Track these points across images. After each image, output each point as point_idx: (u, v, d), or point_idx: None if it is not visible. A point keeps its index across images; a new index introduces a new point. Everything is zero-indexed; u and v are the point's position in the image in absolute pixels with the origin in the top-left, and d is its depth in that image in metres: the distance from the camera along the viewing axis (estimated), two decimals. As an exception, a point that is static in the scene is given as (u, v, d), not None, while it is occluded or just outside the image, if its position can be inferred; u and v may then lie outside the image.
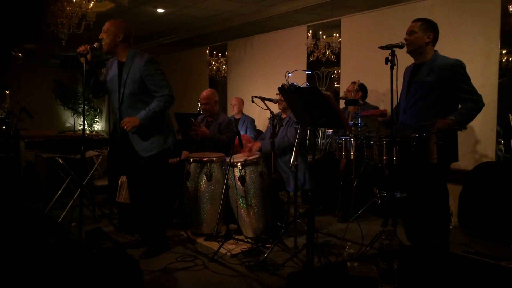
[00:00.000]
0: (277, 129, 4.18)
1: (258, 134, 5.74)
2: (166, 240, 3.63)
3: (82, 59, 3.26)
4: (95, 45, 3.28)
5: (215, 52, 7.93)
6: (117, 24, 3.39)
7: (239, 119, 5.85)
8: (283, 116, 4.26)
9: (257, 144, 4.12)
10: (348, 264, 1.96)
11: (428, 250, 2.39)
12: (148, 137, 3.42)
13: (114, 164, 4.99)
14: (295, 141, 3.57)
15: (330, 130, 5.22)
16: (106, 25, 3.40)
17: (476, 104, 3.11)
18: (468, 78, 3.14)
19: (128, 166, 3.59)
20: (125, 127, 3.31)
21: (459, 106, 3.17)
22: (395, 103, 3.10)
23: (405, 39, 3.20)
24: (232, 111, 5.99)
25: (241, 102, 5.97)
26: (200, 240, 3.90)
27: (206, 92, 4.74)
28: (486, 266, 2.19)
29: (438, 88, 3.13)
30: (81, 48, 3.24)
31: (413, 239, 3.32)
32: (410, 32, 3.20)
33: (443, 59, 3.18)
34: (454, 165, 3.27)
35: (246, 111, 6.05)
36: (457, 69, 3.11)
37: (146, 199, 3.52)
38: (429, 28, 3.19)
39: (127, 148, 3.51)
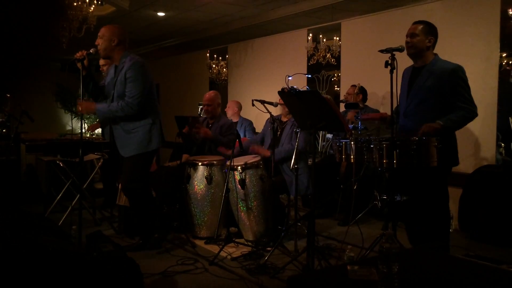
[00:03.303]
0: (278, 133, 4.19)
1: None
2: (150, 239, 3.63)
3: (79, 65, 3.30)
4: (91, 51, 3.35)
5: (215, 55, 7.95)
6: (111, 29, 3.44)
7: (237, 122, 5.84)
8: (283, 119, 4.26)
9: (266, 152, 4.12)
10: (349, 267, 1.96)
11: (429, 253, 2.39)
12: (130, 138, 3.47)
13: (110, 168, 4.99)
14: (303, 146, 3.59)
15: (330, 135, 5.23)
16: (101, 31, 3.46)
17: (469, 114, 3.10)
18: (467, 85, 3.12)
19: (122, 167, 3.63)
20: (80, 108, 3.44)
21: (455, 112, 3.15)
22: (395, 106, 3.10)
23: (406, 42, 3.18)
24: (228, 115, 5.96)
25: (235, 105, 5.92)
26: (200, 243, 3.89)
27: (209, 94, 4.77)
28: (486, 270, 2.19)
29: (438, 93, 3.12)
30: (78, 54, 3.31)
31: (414, 242, 3.32)
32: (411, 35, 3.18)
33: (443, 63, 3.17)
34: (454, 168, 3.27)
35: (245, 114, 6.04)
36: (456, 74, 3.09)
37: (129, 197, 3.59)
38: (431, 31, 3.18)
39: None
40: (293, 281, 1.97)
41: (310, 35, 6.08)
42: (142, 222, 3.61)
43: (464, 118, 3.11)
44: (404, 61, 3.23)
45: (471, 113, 3.10)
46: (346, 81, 5.80)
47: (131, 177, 3.52)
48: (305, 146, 3.95)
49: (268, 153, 4.09)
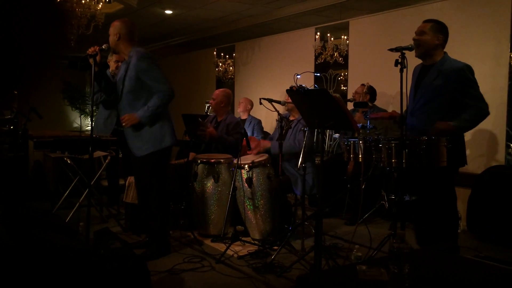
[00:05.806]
0: (284, 130, 4.17)
1: (265, 136, 5.72)
2: (166, 244, 3.56)
3: (91, 60, 3.27)
4: (103, 47, 3.31)
5: (222, 54, 7.94)
6: (115, 25, 3.43)
7: (245, 120, 5.83)
8: (291, 118, 4.25)
9: (267, 143, 4.12)
10: (358, 267, 1.94)
11: (439, 254, 2.37)
12: (142, 137, 3.41)
13: (113, 166, 5.00)
14: (307, 145, 3.57)
15: (337, 134, 5.20)
16: (110, 26, 3.45)
17: (481, 112, 3.08)
18: (476, 84, 3.09)
19: (134, 165, 3.59)
20: (124, 123, 3.36)
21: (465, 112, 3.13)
22: (405, 106, 3.08)
23: (414, 39, 3.15)
24: (237, 110, 5.96)
25: (248, 102, 5.93)
26: (207, 241, 3.89)
27: (219, 90, 4.86)
28: (497, 271, 2.17)
29: (445, 92, 3.10)
30: (91, 50, 3.26)
31: (423, 243, 3.30)
32: (420, 32, 3.16)
33: (452, 62, 3.14)
34: (463, 169, 3.24)
35: (253, 112, 6.03)
36: (464, 73, 3.06)
37: (146, 200, 3.52)
38: (440, 30, 3.15)
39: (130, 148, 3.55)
40: (302, 281, 1.96)
41: (318, 33, 6.06)
42: (155, 224, 3.48)
43: (476, 117, 3.09)
44: (414, 60, 3.20)
45: (483, 111, 3.09)
46: (354, 80, 5.78)
47: (147, 176, 3.45)
48: (310, 146, 3.93)
49: (268, 144, 4.09)
